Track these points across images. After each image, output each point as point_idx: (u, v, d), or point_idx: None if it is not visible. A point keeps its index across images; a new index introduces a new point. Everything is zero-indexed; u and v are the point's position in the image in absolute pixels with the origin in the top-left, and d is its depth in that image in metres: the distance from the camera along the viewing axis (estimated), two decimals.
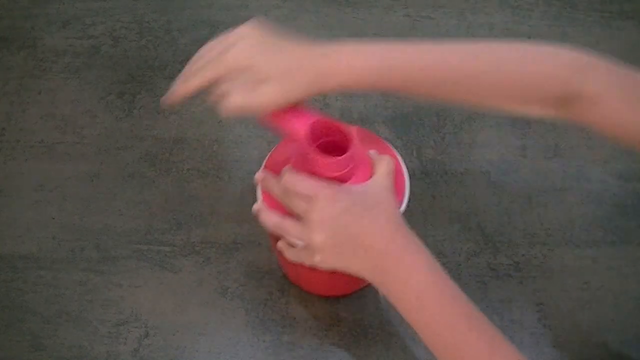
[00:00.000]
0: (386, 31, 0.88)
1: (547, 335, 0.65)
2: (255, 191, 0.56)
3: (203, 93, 0.55)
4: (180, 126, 0.79)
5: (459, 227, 0.72)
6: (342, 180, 0.53)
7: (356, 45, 0.51)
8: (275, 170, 0.55)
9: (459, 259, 0.70)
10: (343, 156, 0.51)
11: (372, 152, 0.56)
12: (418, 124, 0.79)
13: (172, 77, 0.82)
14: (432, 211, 0.73)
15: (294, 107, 0.53)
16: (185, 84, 0.54)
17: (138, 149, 0.78)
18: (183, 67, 0.83)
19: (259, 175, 0.56)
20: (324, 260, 0.51)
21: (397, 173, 0.55)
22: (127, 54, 0.86)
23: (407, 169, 0.78)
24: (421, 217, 0.72)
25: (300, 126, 0.52)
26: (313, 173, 0.52)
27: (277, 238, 0.55)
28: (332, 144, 0.54)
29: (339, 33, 0.87)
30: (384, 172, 0.53)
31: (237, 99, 0.51)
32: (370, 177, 0.53)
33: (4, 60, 0.86)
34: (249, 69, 0.51)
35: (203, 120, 0.80)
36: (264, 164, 0.58)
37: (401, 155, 0.77)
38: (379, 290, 0.51)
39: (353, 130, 0.57)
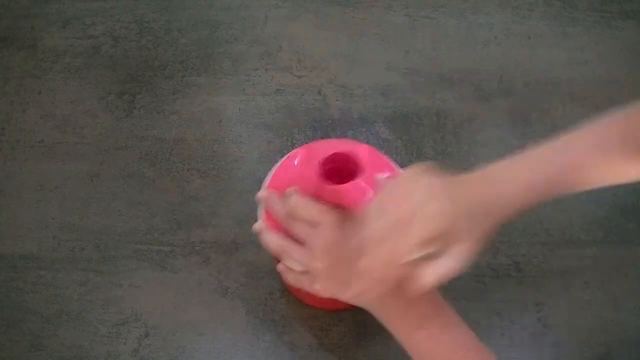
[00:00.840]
0: (386, 31, 0.88)
1: (547, 335, 0.65)
2: (257, 209, 0.56)
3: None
4: (180, 126, 0.79)
5: None
6: (347, 207, 0.52)
7: (500, 176, 0.49)
8: (278, 189, 0.55)
9: None
10: (348, 184, 0.50)
11: (379, 176, 0.55)
12: (418, 124, 0.79)
13: (172, 77, 0.83)
14: None
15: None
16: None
17: (138, 149, 0.78)
18: (183, 67, 0.84)
19: (261, 194, 0.55)
20: (323, 287, 0.51)
21: None
22: (127, 54, 0.86)
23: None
24: None
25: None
26: (318, 198, 0.52)
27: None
28: (341, 169, 0.53)
29: (339, 33, 0.87)
30: None
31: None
32: None
33: (4, 60, 0.86)
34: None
35: (203, 120, 0.80)
36: (266, 182, 0.57)
37: (401, 155, 0.77)
38: (376, 317, 0.51)
39: (364, 150, 0.56)
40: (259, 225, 0.55)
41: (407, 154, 0.77)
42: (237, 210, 0.73)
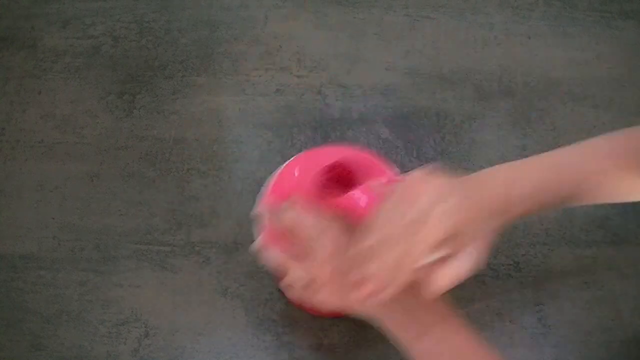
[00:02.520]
0: (386, 31, 0.88)
1: (547, 335, 0.65)
2: (253, 227, 0.56)
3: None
4: (180, 126, 0.79)
5: None
6: (346, 217, 0.52)
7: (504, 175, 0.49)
8: (277, 200, 0.54)
9: None
10: (346, 195, 0.50)
11: (374, 184, 0.55)
12: (418, 124, 0.79)
13: (172, 77, 0.83)
14: None
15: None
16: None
17: (138, 149, 0.78)
18: (183, 67, 0.84)
19: (256, 211, 0.55)
20: (326, 299, 0.50)
21: None
22: (127, 54, 0.86)
23: (407, 169, 0.77)
24: None
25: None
26: (317, 208, 0.52)
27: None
28: (340, 177, 0.53)
29: (339, 33, 0.87)
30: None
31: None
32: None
33: (4, 60, 0.85)
34: None
35: (203, 120, 0.80)
36: (264, 194, 0.57)
37: (401, 155, 0.77)
38: (379, 326, 0.51)
39: (365, 158, 0.56)
40: (258, 244, 0.54)
41: (407, 154, 0.77)
42: (237, 210, 0.73)
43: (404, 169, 0.76)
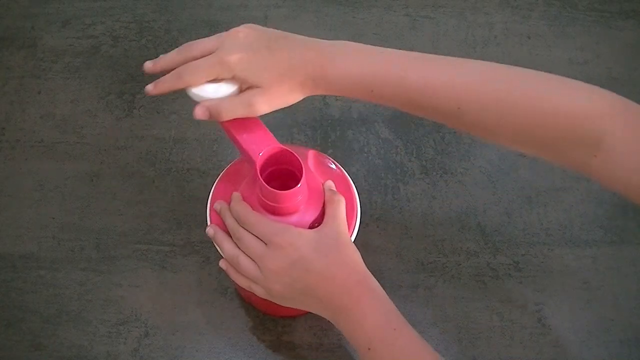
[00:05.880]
0: (386, 31, 0.88)
1: (547, 335, 0.65)
2: (206, 210, 0.57)
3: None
4: (180, 126, 0.79)
5: (459, 227, 0.72)
6: (290, 210, 0.52)
7: (353, 51, 0.51)
8: (229, 188, 0.55)
9: (459, 259, 0.70)
10: (290, 190, 0.50)
11: (327, 184, 0.55)
12: (418, 124, 0.79)
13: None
14: (432, 211, 0.73)
15: (252, 123, 0.53)
16: (178, 80, 0.55)
17: (138, 148, 0.78)
18: None
19: (214, 205, 0.56)
20: (281, 303, 0.52)
21: (348, 201, 0.55)
22: (127, 54, 0.86)
23: (407, 169, 0.78)
24: (421, 217, 0.72)
25: (251, 147, 0.52)
26: (261, 200, 0.52)
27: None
28: (285, 171, 0.53)
29: (339, 33, 0.87)
30: (337, 213, 0.52)
31: (225, 105, 0.52)
32: (321, 205, 0.53)
33: (4, 60, 0.86)
34: (238, 73, 0.51)
35: (203, 120, 0.80)
36: (216, 181, 0.59)
37: (401, 155, 0.77)
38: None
39: (310, 154, 0.56)
40: (212, 229, 0.55)
41: (407, 153, 0.77)
42: None
43: (404, 168, 0.76)
